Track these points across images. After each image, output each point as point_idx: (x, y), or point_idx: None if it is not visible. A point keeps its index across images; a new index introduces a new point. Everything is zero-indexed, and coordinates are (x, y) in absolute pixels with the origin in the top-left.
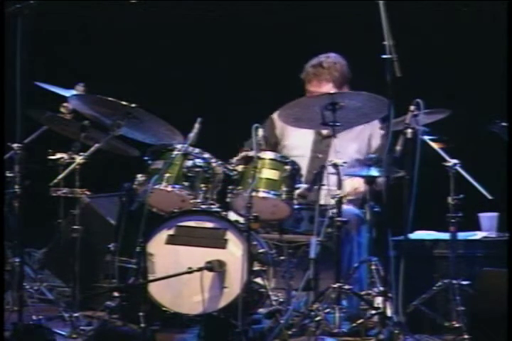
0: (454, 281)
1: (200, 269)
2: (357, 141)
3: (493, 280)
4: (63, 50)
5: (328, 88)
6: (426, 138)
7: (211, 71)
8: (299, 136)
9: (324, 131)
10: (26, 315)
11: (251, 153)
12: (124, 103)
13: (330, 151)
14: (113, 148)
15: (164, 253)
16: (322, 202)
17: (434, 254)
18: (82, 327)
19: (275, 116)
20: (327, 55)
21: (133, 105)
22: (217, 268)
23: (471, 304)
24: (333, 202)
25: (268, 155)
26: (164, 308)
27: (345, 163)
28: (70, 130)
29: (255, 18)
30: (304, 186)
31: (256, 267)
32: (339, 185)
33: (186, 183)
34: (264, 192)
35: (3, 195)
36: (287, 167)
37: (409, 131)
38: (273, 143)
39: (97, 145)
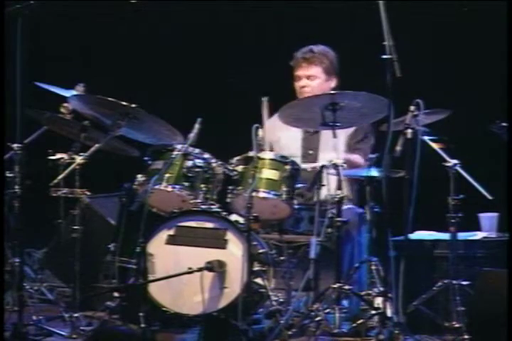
0: (454, 281)
1: (200, 269)
2: (342, 133)
3: (493, 281)
4: (63, 50)
5: (317, 71)
6: (426, 138)
7: (211, 71)
8: (287, 136)
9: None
10: (26, 315)
11: (251, 153)
12: (124, 103)
13: (320, 146)
14: (113, 148)
15: (164, 254)
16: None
17: (434, 254)
18: (82, 328)
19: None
20: (318, 45)
21: (133, 105)
22: (217, 268)
23: (471, 304)
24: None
25: (268, 155)
26: (164, 308)
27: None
28: (70, 130)
29: (255, 18)
30: (303, 186)
31: (256, 267)
32: (339, 186)
33: (186, 183)
34: (264, 192)
35: (3, 195)
36: (287, 167)
37: (409, 131)
38: None
39: (97, 145)
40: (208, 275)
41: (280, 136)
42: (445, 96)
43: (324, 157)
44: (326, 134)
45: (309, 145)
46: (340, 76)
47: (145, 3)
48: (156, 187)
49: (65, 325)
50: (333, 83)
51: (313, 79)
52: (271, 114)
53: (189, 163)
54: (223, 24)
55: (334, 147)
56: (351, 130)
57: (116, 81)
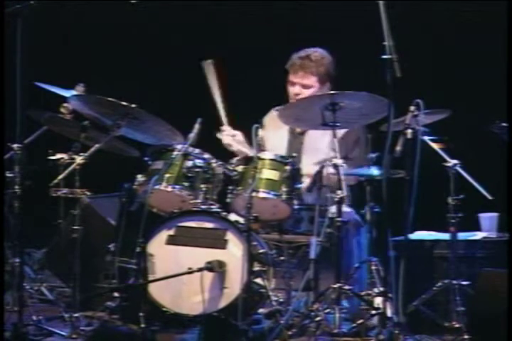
0: (454, 282)
1: (200, 269)
2: (326, 136)
3: (493, 281)
4: (63, 50)
5: (312, 81)
6: (426, 138)
7: None
8: (275, 138)
9: (298, 129)
10: (26, 315)
11: (251, 154)
12: (124, 103)
13: (303, 149)
14: (113, 149)
15: (164, 254)
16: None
17: (434, 254)
18: (82, 328)
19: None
20: (315, 49)
21: (133, 105)
22: (217, 268)
23: (471, 304)
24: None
25: (268, 155)
26: (164, 309)
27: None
28: (70, 130)
29: (255, 17)
30: (303, 186)
31: (256, 267)
32: (339, 186)
33: (186, 184)
34: (264, 192)
35: (3, 195)
36: (287, 167)
37: (409, 131)
38: None
39: (97, 145)
40: (208, 276)
41: (267, 140)
42: (445, 96)
43: (306, 160)
44: (309, 136)
45: (293, 148)
46: (339, 77)
47: (145, 3)
48: (156, 187)
49: (65, 325)
50: (326, 89)
51: (308, 87)
52: (220, 76)
53: (189, 163)
54: (223, 24)
55: (316, 149)
56: (341, 132)
57: (116, 81)
